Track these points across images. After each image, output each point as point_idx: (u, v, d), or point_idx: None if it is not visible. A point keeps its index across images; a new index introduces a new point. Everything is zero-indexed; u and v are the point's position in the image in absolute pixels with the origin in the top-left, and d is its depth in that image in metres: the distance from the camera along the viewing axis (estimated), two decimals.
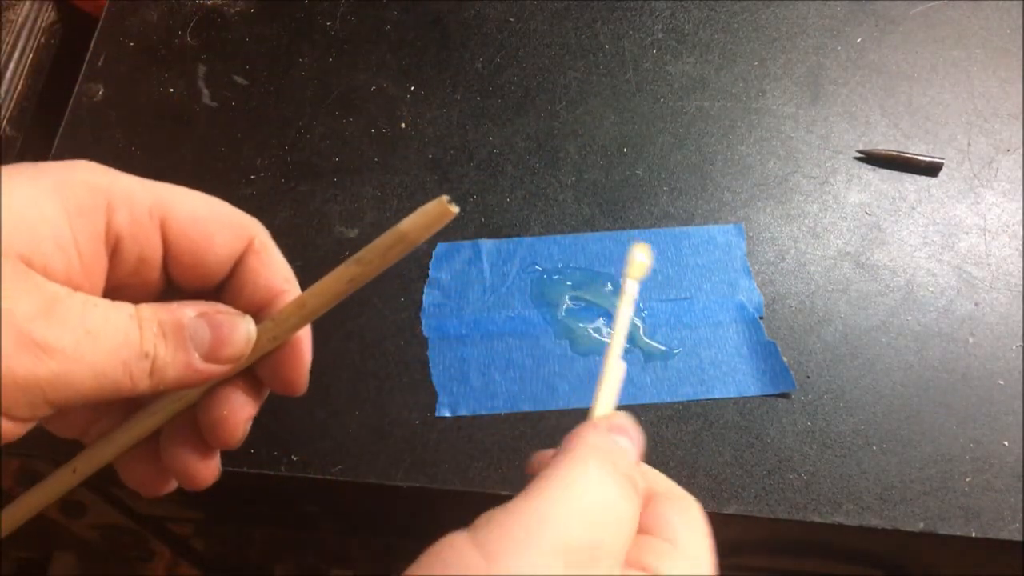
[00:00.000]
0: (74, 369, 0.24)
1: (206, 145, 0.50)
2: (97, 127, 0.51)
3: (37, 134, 0.55)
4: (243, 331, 0.28)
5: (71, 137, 0.50)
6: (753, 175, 0.49)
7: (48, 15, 0.57)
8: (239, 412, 0.30)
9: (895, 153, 0.48)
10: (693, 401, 0.42)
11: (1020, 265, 0.46)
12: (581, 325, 0.44)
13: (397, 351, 0.44)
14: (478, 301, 0.45)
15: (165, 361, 0.26)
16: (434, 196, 0.50)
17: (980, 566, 0.45)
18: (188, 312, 0.27)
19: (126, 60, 0.53)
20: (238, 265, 0.30)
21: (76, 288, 0.26)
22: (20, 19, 0.55)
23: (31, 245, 0.25)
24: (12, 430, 0.24)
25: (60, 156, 0.50)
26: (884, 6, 0.54)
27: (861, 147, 0.49)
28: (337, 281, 0.28)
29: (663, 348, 0.44)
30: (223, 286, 0.30)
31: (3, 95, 0.53)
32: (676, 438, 0.42)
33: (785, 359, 0.43)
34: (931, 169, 0.48)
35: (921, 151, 0.49)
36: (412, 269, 0.46)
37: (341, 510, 0.54)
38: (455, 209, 0.25)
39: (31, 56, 0.55)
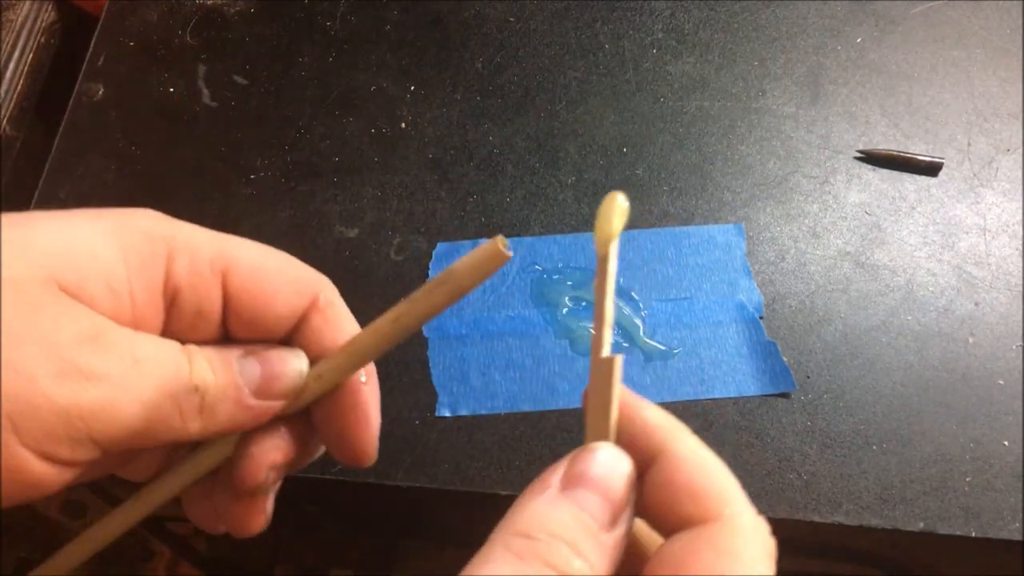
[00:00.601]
0: (120, 399, 0.22)
1: (206, 145, 0.50)
2: (97, 127, 0.51)
3: (37, 134, 0.55)
4: (294, 364, 0.27)
5: (71, 137, 0.50)
6: (753, 175, 0.49)
7: (48, 15, 0.57)
8: (264, 455, 0.27)
9: (895, 153, 0.48)
10: (693, 401, 0.42)
11: (1020, 265, 0.46)
12: (581, 325, 0.44)
13: (397, 351, 0.43)
14: (478, 301, 0.45)
15: (216, 396, 0.25)
16: (434, 195, 0.50)
17: (980, 566, 0.45)
18: (235, 351, 0.26)
19: (126, 60, 0.53)
20: (301, 322, 0.28)
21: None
22: (20, 19, 0.55)
23: (77, 280, 0.23)
24: (49, 475, 0.22)
25: (60, 156, 0.50)
26: (884, 6, 0.54)
27: (861, 147, 0.49)
28: (384, 321, 0.26)
29: (663, 348, 0.44)
30: (285, 343, 0.28)
31: (3, 95, 0.53)
32: None
33: (785, 359, 0.43)
34: (931, 169, 0.48)
35: (921, 151, 0.49)
36: (412, 269, 0.46)
37: (341, 510, 0.54)
38: (509, 253, 0.23)
39: (31, 56, 0.55)
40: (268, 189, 0.48)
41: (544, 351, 0.43)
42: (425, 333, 0.44)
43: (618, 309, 0.44)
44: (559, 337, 0.44)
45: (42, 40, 0.56)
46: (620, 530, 0.22)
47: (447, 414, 0.42)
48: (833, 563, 0.48)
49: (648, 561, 0.22)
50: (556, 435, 0.42)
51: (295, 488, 0.45)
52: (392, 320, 0.26)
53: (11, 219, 0.23)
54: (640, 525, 0.24)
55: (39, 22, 0.56)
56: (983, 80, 0.51)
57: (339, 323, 0.28)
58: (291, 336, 0.28)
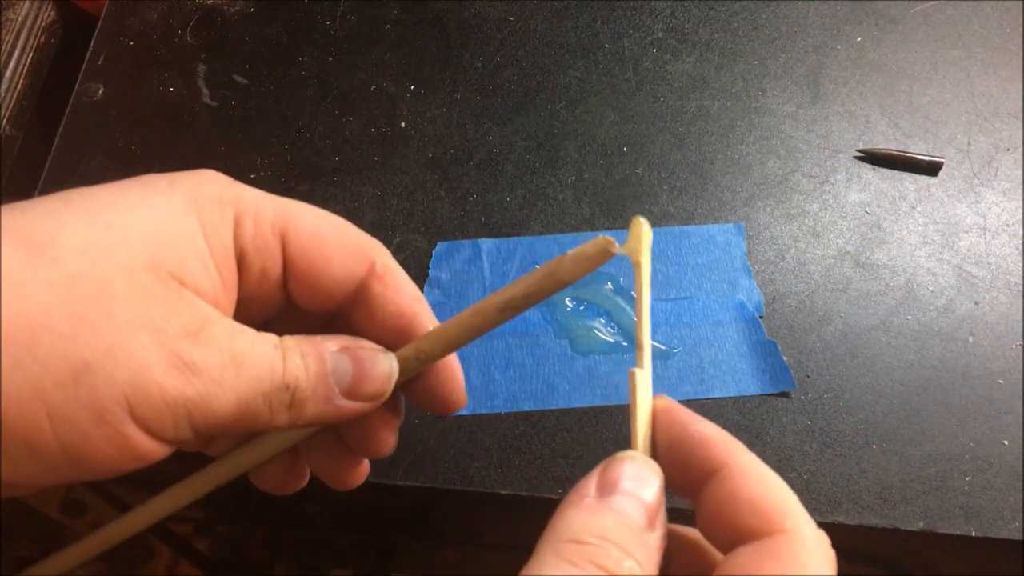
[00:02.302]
0: (218, 393, 0.24)
1: (206, 144, 0.50)
2: (97, 126, 0.51)
3: (37, 133, 0.55)
4: (385, 367, 0.27)
5: (71, 136, 0.50)
6: (753, 174, 0.49)
7: (48, 14, 0.57)
8: (386, 425, 0.29)
9: (895, 152, 0.48)
10: (693, 400, 0.42)
11: (1020, 264, 0.46)
12: (581, 324, 0.44)
13: None
14: (478, 300, 0.45)
15: (305, 395, 0.26)
16: (434, 195, 0.50)
17: (980, 565, 0.45)
18: (330, 346, 0.27)
19: (126, 59, 0.53)
20: (363, 290, 0.29)
21: (217, 304, 0.26)
22: (20, 18, 0.55)
23: (179, 262, 0.25)
24: (154, 450, 0.24)
25: (60, 155, 0.50)
26: (884, 5, 0.54)
27: (861, 146, 0.49)
28: (486, 305, 0.27)
29: (663, 347, 0.44)
30: (353, 312, 0.29)
31: (3, 94, 0.53)
32: None
33: (785, 358, 0.43)
34: (931, 168, 0.48)
35: (921, 150, 0.49)
36: (412, 269, 0.46)
37: (341, 510, 0.54)
38: (616, 250, 0.24)
39: (31, 55, 0.55)
40: (268, 188, 0.48)
41: (544, 350, 0.43)
42: None
43: (618, 308, 0.44)
44: (559, 337, 0.44)
45: (42, 39, 0.56)
46: (658, 532, 0.23)
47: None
48: None
49: (712, 574, 0.22)
50: (556, 434, 0.42)
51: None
52: (499, 310, 0.27)
53: (101, 199, 0.24)
54: (698, 539, 0.25)
55: (39, 21, 0.56)
56: (983, 79, 0.51)
57: (399, 287, 0.29)
58: (353, 303, 0.29)
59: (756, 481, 0.23)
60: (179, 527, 0.65)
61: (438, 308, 0.45)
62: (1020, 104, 0.50)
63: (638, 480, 0.23)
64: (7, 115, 0.53)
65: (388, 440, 0.30)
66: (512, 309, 0.26)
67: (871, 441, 0.41)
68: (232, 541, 0.68)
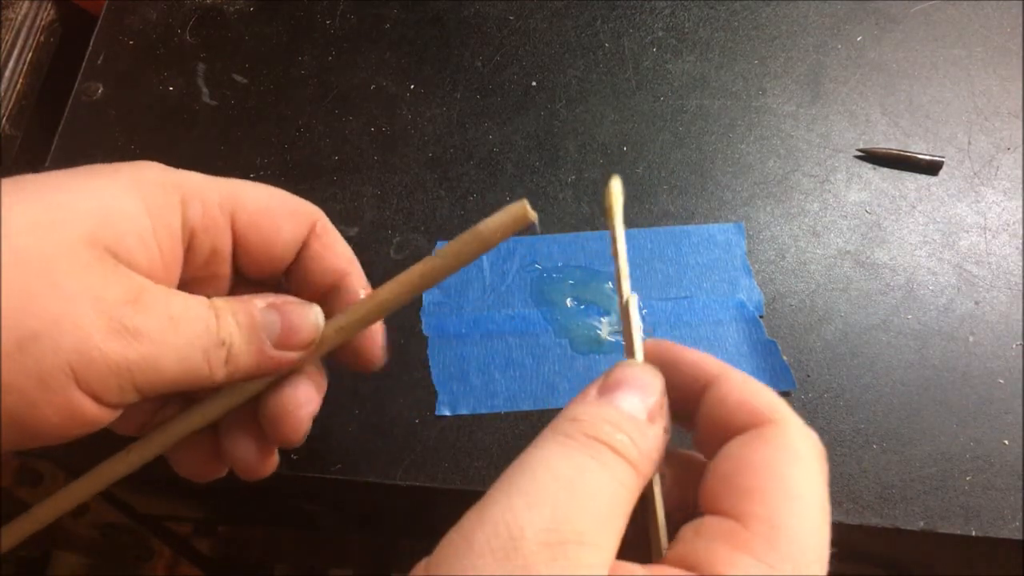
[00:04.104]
0: (160, 353, 0.25)
1: (205, 143, 0.50)
2: (96, 125, 0.51)
3: (36, 132, 0.55)
4: (311, 317, 0.29)
5: (70, 136, 0.50)
6: (753, 174, 0.48)
7: (48, 13, 0.57)
8: (304, 407, 0.30)
9: (895, 151, 0.48)
10: None
11: (1020, 264, 0.46)
12: (581, 324, 0.44)
13: (397, 350, 0.44)
14: (478, 300, 0.45)
15: (240, 349, 0.27)
16: (434, 194, 0.50)
17: (980, 565, 0.45)
18: (258, 303, 0.28)
19: (125, 58, 0.53)
20: (302, 251, 0.31)
21: (153, 278, 0.27)
22: (20, 17, 0.55)
23: (117, 238, 0.26)
24: (100, 415, 0.25)
25: (60, 155, 0.50)
26: (884, 4, 0.54)
27: (861, 145, 0.49)
28: (409, 275, 0.28)
29: None
30: (290, 274, 0.31)
31: (3, 93, 0.53)
32: (675, 439, 0.41)
33: (785, 358, 0.43)
34: (931, 168, 0.48)
35: (921, 150, 0.49)
36: None
37: (341, 509, 0.54)
38: (534, 215, 0.25)
39: (30, 54, 0.55)
40: None
41: (544, 350, 0.43)
42: (425, 332, 0.44)
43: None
44: (559, 336, 0.44)
45: (41, 39, 0.56)
46: (658, 426, 0.24)
47: (447, 413, 0.42)
48: (833, 562, 0.48)
49: (708, 465, 0.24)
50: None
51: (295, 487, 0.45)
52: (419, 275, 0.28)
53: (49, 183, 0.26)
54: (691, 455, 0.26)
55: (39, 20, 0.56)
56: (984, 78, 0.51)
57: (336, 246, 0.31)
58: (295, 264, 0.31)
59: (746, 385, 0.25)
60: (179, 527, 0.65)
61: (438, 308, 0.45)
62: (1020, 103, 0.50)
63: (639, 380, 0.24)
64: (7, 114, 0.53)
65: (300, 426, 0.31)
66: (436, 271, 0.28)
67: (871, 441, 0.41)
68: (232, 541, 0.68)
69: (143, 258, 0.27)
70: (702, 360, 0.25)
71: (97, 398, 0.25)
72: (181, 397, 0.31)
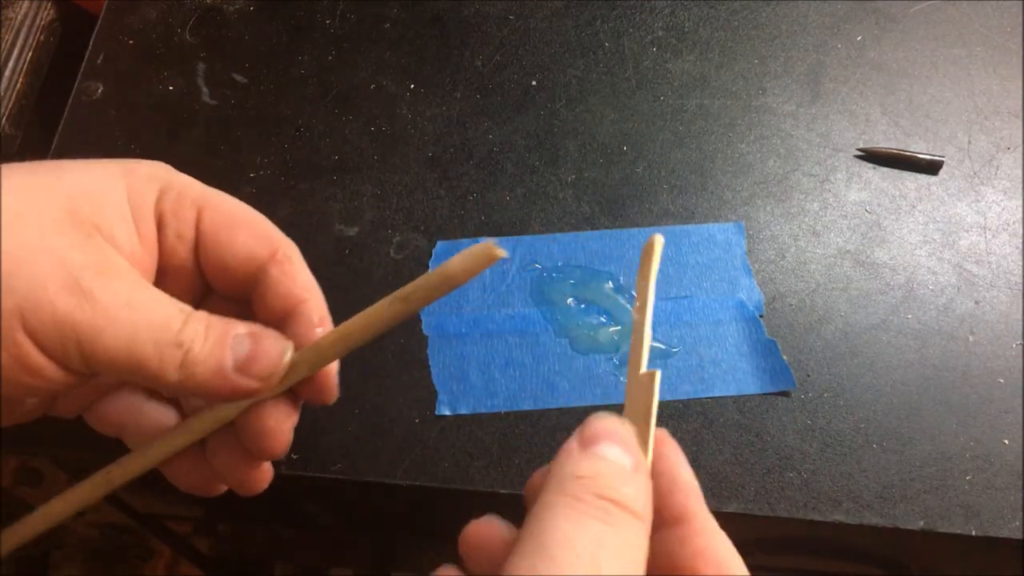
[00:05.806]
0: (107, 326, 0.26)
1: (205, 143, 0.50)
2: (96, 125, 0.50)
3: (36, 132, 0.55)
4: (280, 348, 0.29)
5: (70, 135, 0.50)
6: (753, 173, 0.48)
7: (47, 13, 0.57)
8: (281, 423, 0.31)
9: (895, 151, 0.48)
10: (693, 399, 0.42)
11: (1020, 263, 0.46)
12: (581, 323, 0.44)
13: (397, 349, 0.44)
14: (478, 299, 0.45)
15: (199, 357, 0.27)
16: (434, 194, 0.50)
17: (980, 565, 0.45)
18: (240, 328, 0.29)
19: (125, 58, 0.53)
20: (263, 275, 0.31)
21: (133, 260, 0.28)
22: (19, 17, 0.55)
23: (97, 213, 0.28)
24: (47, 367, 0.26)
25: (59, 154, 0.50)
26: (884, 4, 0.54)
27: (861, 145, 0.49)
28: (379, 313, 0.28)
29: (663, 346, 0.43)
30: (254, 297, 0.32)
31: (2, 93, 0.53)
32: (676, 436, 0.41)
33: (785, 357, 0.43)
34: (931, 167, 0.48)
35: (921, 149, 0.49)
36: (412, 268, 0.46)
37: (341, 509, 0.54)
38: (501, 252, 0.25)
39: (30, 54, 0.55)
40: (268, 187, 0.48)
41: (544, 349, 0.43)
42: (424, 331, 0.44)
43: (619, 307, 0.44)
44: (559, 335, 0.44)
45: (41, 38, 0.56)
46: (643, 475, 0.24)
47: (447, 413, 0.42)
48: (833, 562, 0.48)
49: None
50: (556, 433, 0.42)
51: (295, 488, 0.45)
52: (391, 317, 0.28)
53: (42, 166, 0.28)
54: None
55: (38, 20, 0.56)
56: (983, 78, 0.51)
57: (295, 277, 0.31)
58: (253, 287, 0.31)
59: (714, 536, 0.25)
60: (179, 526, 0.65)
61: (437, 307, 0.45)
62: (1020, 103, 0.50)
63: (615, 431, 0.24)
64: (7, 114, 0.53)
65: (280, 439, 0.31)
66: (401, 301, 0.28)
67: (871, 440, 0.41)
68: (232, 541, 0.68)
69: (124, 237, 0.28)
70: (690, 488, 0.25)
71: (41, 347, 0.26)
72: (146, 394, 0.32)
